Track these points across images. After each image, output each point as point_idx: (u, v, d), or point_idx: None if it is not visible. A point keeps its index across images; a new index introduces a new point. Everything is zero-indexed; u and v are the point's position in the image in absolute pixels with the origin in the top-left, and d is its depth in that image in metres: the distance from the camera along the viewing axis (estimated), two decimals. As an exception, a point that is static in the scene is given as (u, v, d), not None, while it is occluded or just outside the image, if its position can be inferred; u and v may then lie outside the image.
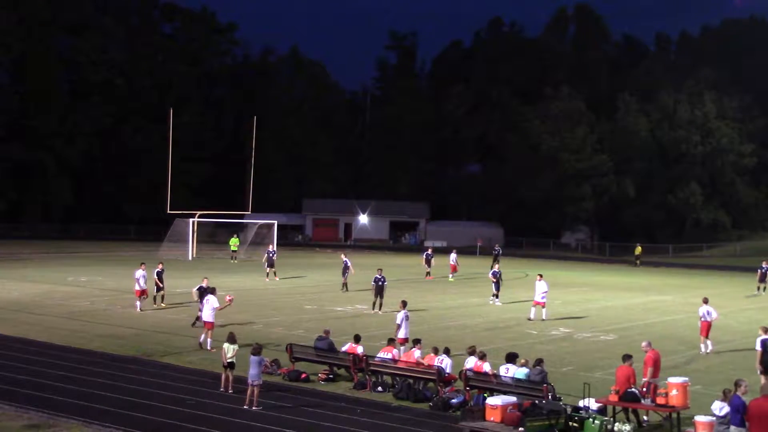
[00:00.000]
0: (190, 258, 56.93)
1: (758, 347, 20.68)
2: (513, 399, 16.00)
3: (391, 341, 21.46)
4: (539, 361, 18.21)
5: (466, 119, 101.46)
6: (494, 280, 36.61)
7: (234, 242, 58.22)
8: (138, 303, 31.62)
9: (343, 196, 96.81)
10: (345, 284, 40.06)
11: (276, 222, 64.25)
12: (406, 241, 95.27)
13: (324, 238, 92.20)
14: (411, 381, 19.14)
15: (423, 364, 19.32)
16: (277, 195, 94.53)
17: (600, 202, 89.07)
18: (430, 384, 19.03)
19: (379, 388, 19.38)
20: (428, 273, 48.48)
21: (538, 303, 31.77)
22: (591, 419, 15.64)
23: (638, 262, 66.34)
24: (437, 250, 53.53)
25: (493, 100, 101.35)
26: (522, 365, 18.30)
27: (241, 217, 69.58)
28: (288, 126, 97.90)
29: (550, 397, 16.72)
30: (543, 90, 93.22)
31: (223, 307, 25.11)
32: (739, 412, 13.77)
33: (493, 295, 36.48)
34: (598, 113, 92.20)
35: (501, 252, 58.24)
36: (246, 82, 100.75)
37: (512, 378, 17.78)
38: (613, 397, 16.52)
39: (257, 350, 17.91)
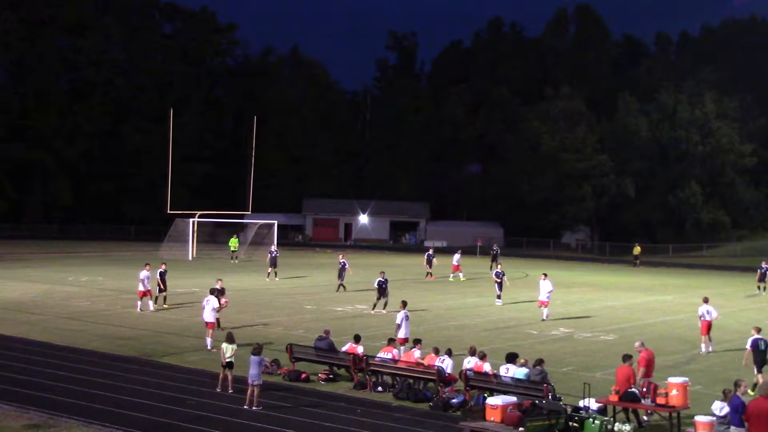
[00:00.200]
0: (190, 258, 56.94)
1: (749, 346, 20.82)
2: (513, 399, 16.00)
3: (391, 341, 21.46)
4: (539, 362, 18.20)
5: (466, 119, 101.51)
6: (498, 281, 36.55)
7: (234, 243, 58.22)
8: (139, 303, 31.51)
9: (343, 196, 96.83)
10: (342, 285, 39.75)
11: (276, 222, 64.29)
12: (406, 241, 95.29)
13: (324, 238, 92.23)
14: (411, 381, 19.14)
15: (423, 365, 19.32)
16: (277, 195, 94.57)
17: (600, 202, 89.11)
18: (430, 384, 19.03)
19: (379, 388, 19.38)
20: (429, 273, 48.45)
21: (543, 303, 31.85)
22: (591, 419, 15.64)
23: (638, 262, 66.33)
24: (438, 250, 53.52)
25: (493, 100, 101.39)
26: (522, 365, 18.30)
27: (241, 217, 69.62)
28: (288, 126, 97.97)
29: (550, 397, 16.72)
30: (543, 90, 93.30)
31: (219, 308, 25.21)
32: (739, 412, 13.77)
33: (497, 296, 36.38)
34: (598, 113, 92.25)
35: (499, 252, 58.22)
36: (246, 82, 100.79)
37: (512, 378, 17.78)
38: (613, 397, 16.52)
39: (257, 350, 17.91)
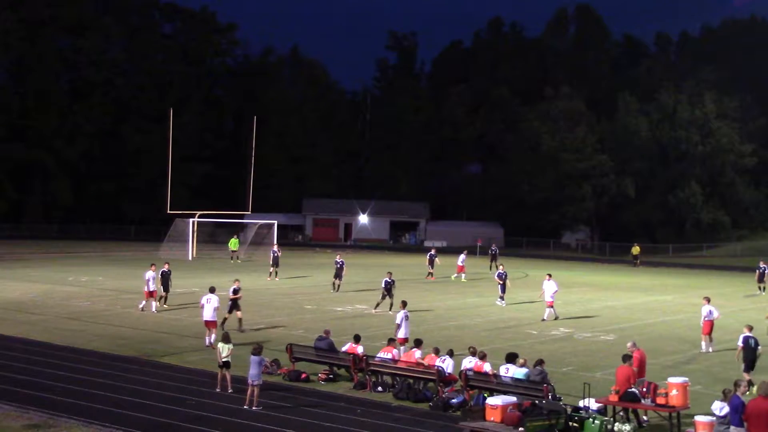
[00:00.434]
0: (189, 258, 56.93)
1: (740, 343, 20.93)
2: (513, 399, 16.00)
3: (391, 341, 21.47)
4: (540, 362, 18.20)
5: (466, 119, 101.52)
6: (500, 282, 36.52)
7: (234, 243, 58.23)
8: (143, 303, 31.27)
9: (343, 196, 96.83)
10: (338, 285, 39.45)
11: (276, 222, 64.30)
12: (406, 241, 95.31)
13: (324, 238, 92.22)
14: (411, 381, 19.14)
15: (423, 365, 19.32)
16: (277, 195, 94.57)
17: (600, 202, 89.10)
18: (430, 384, 19.03)
19: (379, 388, 19.38)
20: (430, 273, 48.45)
21: (549, 303, 31.91)
22: (591, 419, 15.64)
23: (638, 262, 66.33)
24: (439, 251, 53.54)
25: (493, 100, 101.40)
26: (522, 365, 18.30)
27: (241, 217, 69.62)
28: (288, 126, 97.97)
29: (550, 397, 16.72)
30: (543, 90, 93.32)
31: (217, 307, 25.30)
32: (739, 412, 13.78)
33: (500, 297, 36.30)
34: (598, 113, 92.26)
35: (498, 252, 58.24)
36: (246, 82, 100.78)
37: (512, 378, 17.78)
38: (613, 397, 16.52)
39: (257, 350, 17.90)
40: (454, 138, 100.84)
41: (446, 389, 18.59)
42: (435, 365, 18.95)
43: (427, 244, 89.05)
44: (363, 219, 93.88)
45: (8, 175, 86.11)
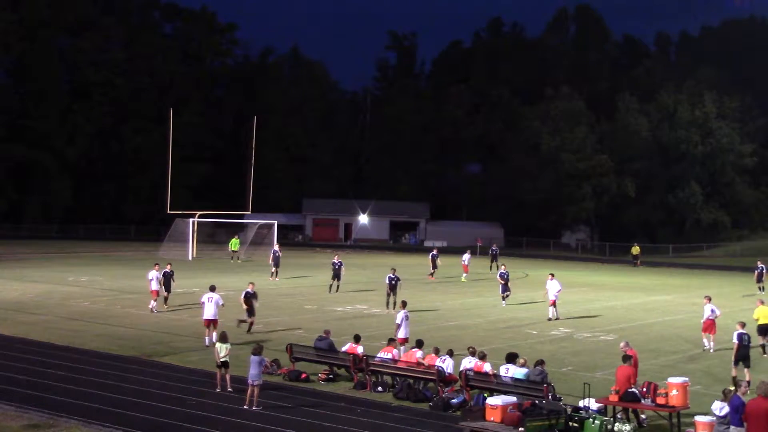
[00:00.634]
0: (189, 258, 56.93)
1: (735, 340, 21.08)
2: (513, 399, 16.01)
3: (391, 341, 21.47)
4: (540, 362, 18.20)
5: (466, 119, 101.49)
6: (502, 282, 36.50)
7: (234, 243, 58.25)
8: (153, 303, 31.04)
9: (343, 196, 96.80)
10: (337, 286, 39.17)
11: (276, 222, 64.28)
12: (406, 241, 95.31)
13: (324, 238, 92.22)
14: (411, 381, 19.14)
15: (423, 365, 19.32)
16: (277, 195, 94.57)
17: (600, 202, 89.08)
18: (430, 384, 19.03)
19: (379, 388, 19.39)
20: (431, 273, 48.46)
21: (552, 302, 31.96)
22: (591, 419, 15.63)
23: (638, 262, 66.32)
24: (441, 251, 53.59)
25: (493, 100, 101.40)
26: (522, 365, 18.30)
27: (241, 217, 69.59)
28: (288, 126, 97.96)
29: (550, 397, 16.72)
30: (543, 90, 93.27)
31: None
32: (739, 412, 13.79)
33: (502, 297, 36.24)
34: (598, 113, 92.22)
35: (498, 252, 58.25)
36: (246, 82, 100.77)
37: (512, 378, 17.78)
38: (613, 397, 16.52)
39: (258, 350, 17.90)
40: (454, 138, 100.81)
41: (446, 389, 18.59)
42: (435, 365, 18.95)
43: (427, 244, 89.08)
44: (363, 219, 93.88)
45: (8, 175, 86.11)
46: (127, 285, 40.15)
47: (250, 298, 27.01)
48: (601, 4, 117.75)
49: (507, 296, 36.05)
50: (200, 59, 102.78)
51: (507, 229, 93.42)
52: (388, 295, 33.12)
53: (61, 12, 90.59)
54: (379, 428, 16.49)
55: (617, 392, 16.47)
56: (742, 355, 20.82)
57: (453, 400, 18.10)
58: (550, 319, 31.39)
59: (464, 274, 48.25)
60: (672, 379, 16.56)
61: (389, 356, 20.11)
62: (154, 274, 31.20)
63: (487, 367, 18.41)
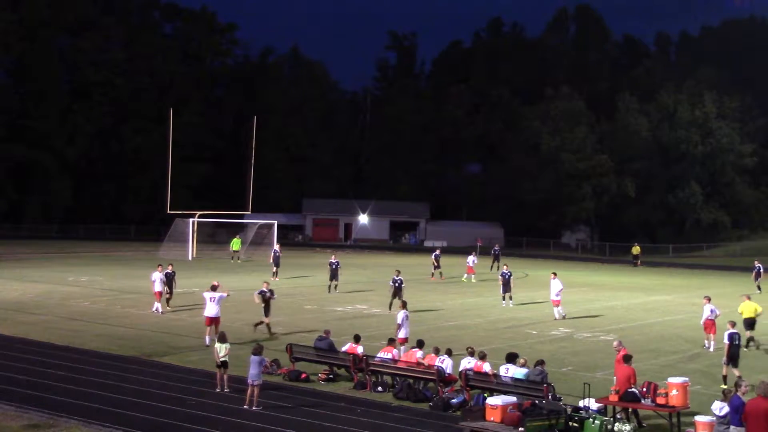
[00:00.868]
0: (189, 258, 56.93)
1: (726, 340, 21.14)
2: (513, 399, 16.01)
3: (392, 341, 21.47)
4: (540, 362, 18.20)
5: (466, 119, 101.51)
6: (503, 282, 36.46)
7: (236, 243, 58.27)
8: (157, 304, 30.98)
9: (343, 196, 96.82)
10: (335, 286, 39.17)
11: (276, 222, 64.26)
12: (406, 241, 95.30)
13: (324, 238, 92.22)
14: (411, 381, 19.14)
15: (423, 365, 19.32)
16: (277, 195, 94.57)
17: (600, 202, 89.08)
18: (430, 384, 19.03)
19: (379, 388, 19.38)
20: (433, 274, 48.45)
21: (556, 302, 31.95)
22: (591, 419, 15.63)
23: (638, 262, 66.32)
24: (442, 251, 53.62)
25: (493, 100, 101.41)
26: (522, 365, 18.30)
27: (241, 217, 69.58)
28: (288, 126, 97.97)
29: (550, 397, 16.72)
30: (543, 90, 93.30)
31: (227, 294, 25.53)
32: (739, 413, 13.79)
33: (509, 297, 36.20)
34: (598, 113, 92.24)
35: (500, 252, 58.23)
36: (246, 82, 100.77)
37: (512, 378, 17.78)
38: (613, 397, 16.52)
39: (258, 350, 17.90)
40: (454, 138, 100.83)
41: (446, 389, 18.59)
42: (435, 365, 18.95)
43: (427, 244, 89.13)
44: (363, 219, 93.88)
45: (8, 175, 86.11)
46: (127, 285, 40.15)
47: (266, 296, 27.03)
48: (601, 4, 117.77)
49: (509, 296, 36.01)
50: (200, 59, 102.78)
51: (507, 229, 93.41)
52: (393, 296, 33.07)
53: (61, 12, 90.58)
54: (379, 428, 16.49)
55: (617, 392, 16.48)
56: (733, 354, 20.91)
57: (453, 400, 18.10)
58: (556, 319, 31.39)
59: (465, 275, 48.20)
60: (672, 379, 16.56)
61: (389, 356, 20.11)
62: (157, 275, 31.11)
63: (486, 367, 18.42)
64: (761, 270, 45.63)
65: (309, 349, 21.18)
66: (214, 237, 68.47)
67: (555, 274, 33.17)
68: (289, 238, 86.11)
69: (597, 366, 22.70)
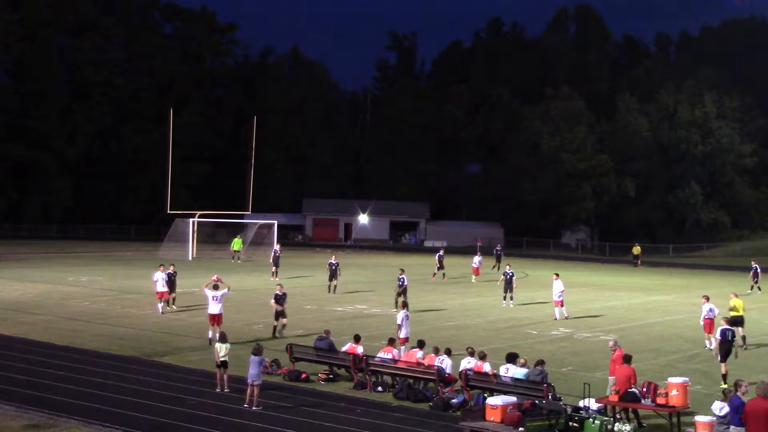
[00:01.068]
0: (189, 258, 56.92)
1: (718, 336, 21.32)
2: (513, 399, 16.01)
3: (392, 341, 21.47)
4: (540, 362, 18.20)
5: (466, 119, 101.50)
6: (504, 282, 36.43)
7: (237, 243, 58.26)
8: (159, 305, 30.93)
9: (343, 196, 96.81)
10: (335, 286, 39.08)
11: (276, 222, 64.25)
12: (406, 241, 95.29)
13: (324, 238, 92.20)
14: (411, 381, 19.14)
15: (423, 365, 19.32)
16: (277, 195, 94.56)
17: (600, 202, 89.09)
18: (430, 384, 19.03)
19: (379, 388, 19.38)
20: (434, 274, 48.44)
21: (558, 303, 31.96)
22: (591, 419, 15.63)
23: (639, 262, 66.32)
24: (445, 251, 53.64)
25: (493, 100, 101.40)
26: (522, 365, 18.30)
27: (241, 217, 69.57)
28: (288, 126, 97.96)
29: (550, 397, 16.72)
30: (543, 90, 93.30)
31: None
32: (739, 412, 13.78)
33: (510, 297, 36.19)
34: (598, 113, 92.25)
35: (502, 252, 58.24)
36: (246, 82, 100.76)
37: (512, 378, 17.78)
38: (613, 397, 16.52)
39: (258, 350, 17.90)
40: (454, 138, 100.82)
41: (446, 389, 18.59)
42: (435, 365, 18.95)
43: (427, 244, 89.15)
44: (363, 219, 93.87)
45: (8, 175, 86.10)
46: (127, 285, 40.15)
47: (280, 300, 27.05)
48: (601, 4, 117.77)
49: (511, 297, 35.99)
50: (200, 59, 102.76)
51: (507, 229, 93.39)
52: (398, 295, 33.06)
53: (61, 12, 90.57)
54: (379, 428, 16.49)
55: (617, 392, 16.48)
56: (725, 351, 21.00)
57: (453, 400, 18.10)
58: (556, 319, 31.37)
59: (474, 277, 48.25)
60: (672, 379, 16.57)
61: (389, 356, 20.11)
62: (159, 276, 31.07)
63: (486, 367, 18.41)
64: (758, 270, 45.73)
65: (309, 349, 21.19)
66: (214, 237, 68.47)
67: (557, 275, 33.15)
68: (289, 238, 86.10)
69: (597, 366, 22.69)
